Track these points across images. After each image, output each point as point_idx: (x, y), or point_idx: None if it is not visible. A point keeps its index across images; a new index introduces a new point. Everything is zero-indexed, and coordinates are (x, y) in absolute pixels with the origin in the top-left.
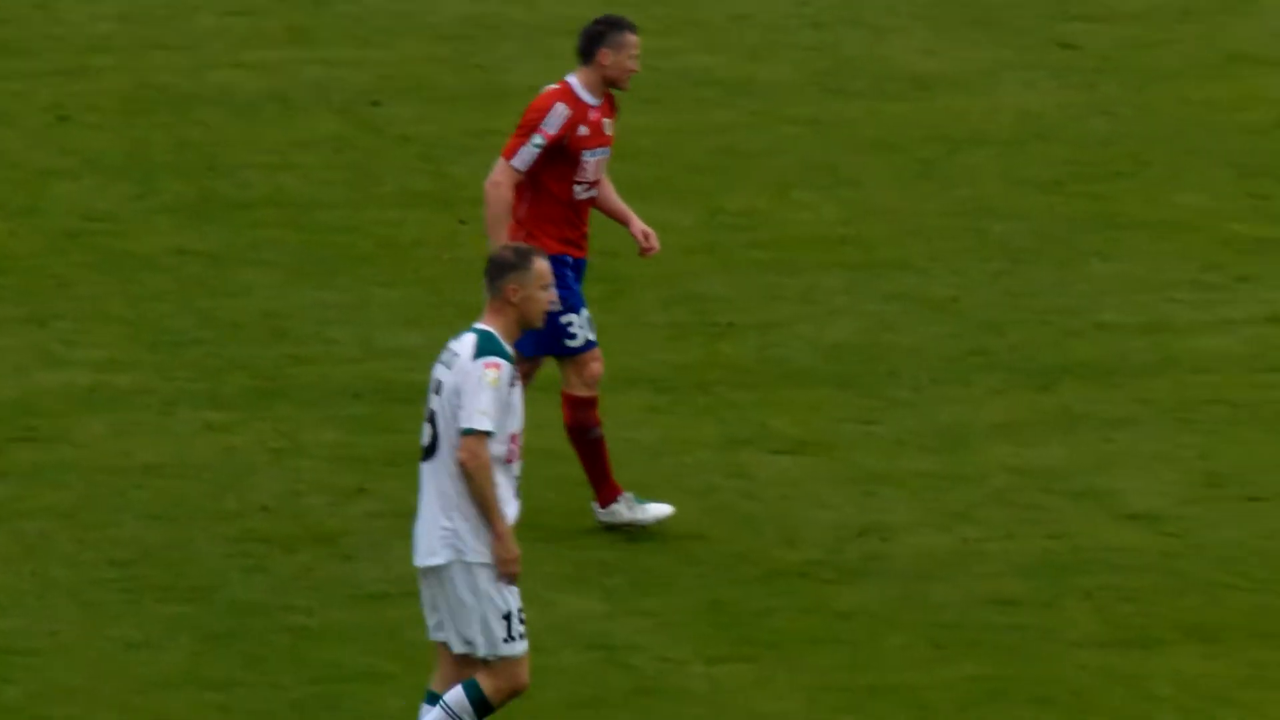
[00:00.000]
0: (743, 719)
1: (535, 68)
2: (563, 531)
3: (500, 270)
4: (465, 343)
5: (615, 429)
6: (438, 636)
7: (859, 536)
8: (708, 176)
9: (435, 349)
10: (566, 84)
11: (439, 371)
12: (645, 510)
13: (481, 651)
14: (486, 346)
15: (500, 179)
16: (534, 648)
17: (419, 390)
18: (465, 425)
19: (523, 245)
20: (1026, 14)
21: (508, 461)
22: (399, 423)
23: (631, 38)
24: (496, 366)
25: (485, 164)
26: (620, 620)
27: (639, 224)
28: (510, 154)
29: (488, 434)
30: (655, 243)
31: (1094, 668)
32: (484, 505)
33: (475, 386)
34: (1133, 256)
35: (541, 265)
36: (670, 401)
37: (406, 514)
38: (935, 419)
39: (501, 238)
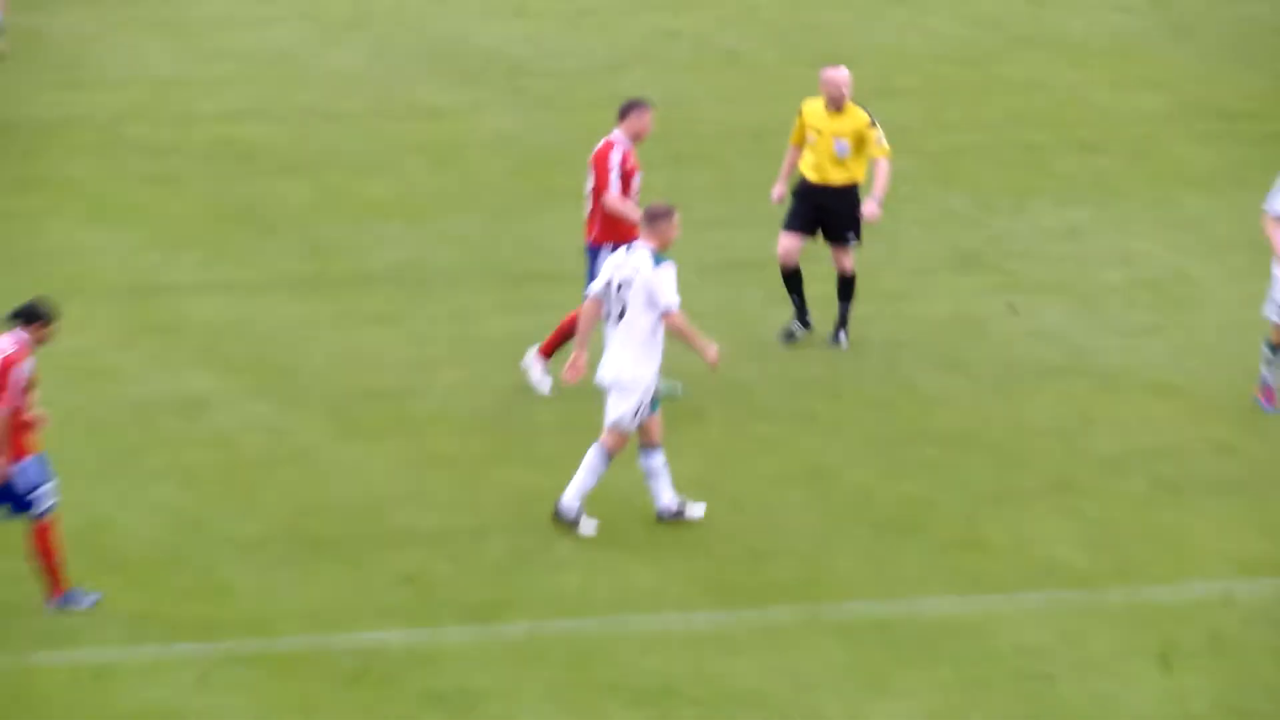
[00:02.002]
0: None
1: None
2: None
3: (662, 216)
4: (642, 257)
5: None
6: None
7: None
8: None
9: None
10: (610, 139)
11: (622, 275)
12: None
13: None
14: (660, 259)
15: (616, 202)
16: None
17: None
18: (667, 304)
19: (664, 203)
20: None
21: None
22: None
23: (648, 113)
24: (670, 266)
25: None
26: None
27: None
28: (608, 188)
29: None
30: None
31: None
32: (689, 339)
33: (664, 281)
34: None
35: (677, 215)
36: None
37: None
38: None
39: (633, 213)
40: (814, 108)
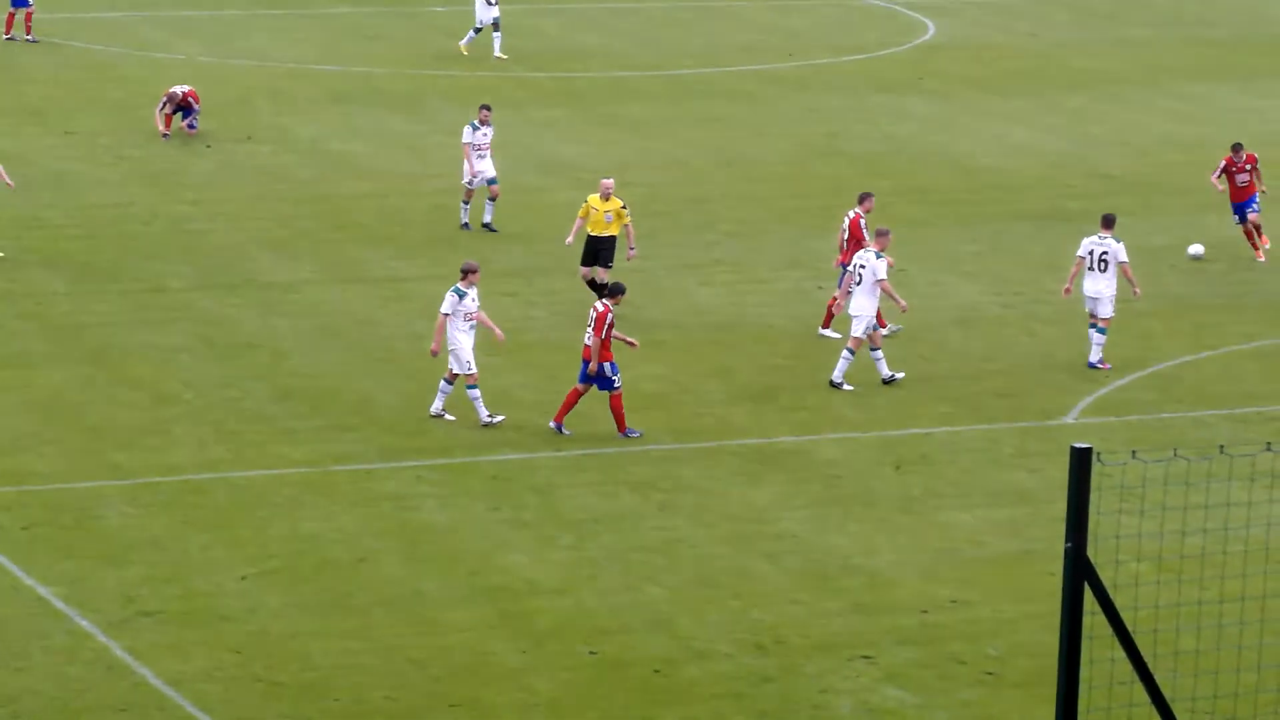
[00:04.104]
0: None
1: None
2: None
3: (883, 234)
4: (871, 255)
5: None
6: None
7: None
8: None
9: None
10: (856, 212)
11: (861, 262)
12: None
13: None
14: (879, 255)
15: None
16: None
17: None
18: (879, 276)
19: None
20: None
21: None
22: None
23: (871, 199)
24: (885, 259)
25: None
26: None
27: None
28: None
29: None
30: None
31: None
32: (891, 295)
33: (880, 266)
34: None
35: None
36: None
37: None
38: None
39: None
40: (594, 198)
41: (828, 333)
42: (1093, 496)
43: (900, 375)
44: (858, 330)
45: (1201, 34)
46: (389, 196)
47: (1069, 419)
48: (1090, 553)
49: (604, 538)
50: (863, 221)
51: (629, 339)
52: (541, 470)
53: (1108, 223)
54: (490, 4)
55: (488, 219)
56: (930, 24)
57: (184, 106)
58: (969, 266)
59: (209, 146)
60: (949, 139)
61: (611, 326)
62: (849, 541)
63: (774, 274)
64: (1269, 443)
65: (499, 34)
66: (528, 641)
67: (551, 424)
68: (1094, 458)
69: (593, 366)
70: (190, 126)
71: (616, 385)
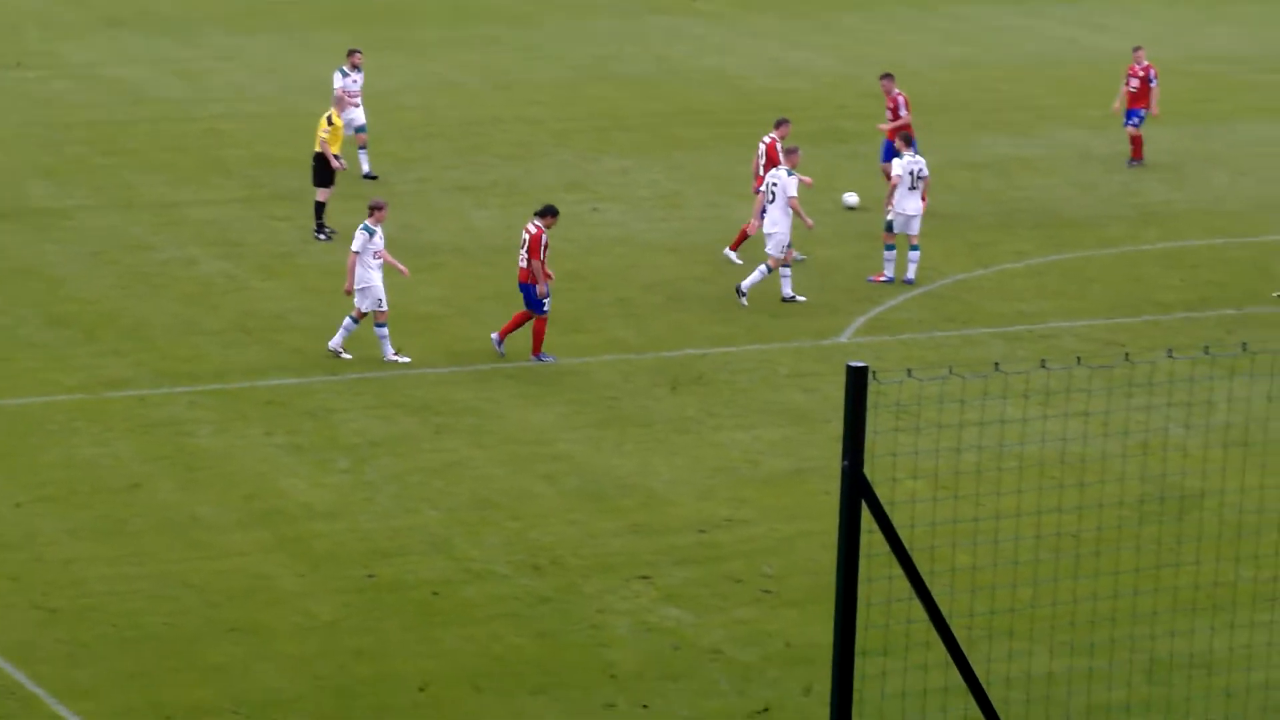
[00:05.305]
0: None
1: None
2: None
3: (792, 152)
4: (783, 174)
5: None
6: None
7: None
8: None
9: None
10: (771, 138)
11: (772, 179)
12: None
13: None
14: (791, 173)
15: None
16: None
17: None
18: (791, 194)
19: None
20: None
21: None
22: None
23: (787, 125)
24: (796, 176)
25: None
26: None
27: None
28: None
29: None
30: None
31: None
32: (798, 213)
33: (791, 183)
34: None
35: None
36: None
37: None
38: None
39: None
40: (336, 114)
41: (731, 255)
42: (869, 415)
43: (803, 298)
44: (771, 247)
45: None
46: (161, 122)
47: (843, 338)
48: (867, 471)
49: (381, 461)
50: (779, 146)
51: (400, 265)
52: (317, 394)
53: (910, 141)
54: None
55: (366, 168)
56: None
57: None
58: (744, 188)
59: None
60: (723, 60)
61: (547, 248)
62: (626, 462)
63: (549, 196)
64: (1043, 360)
65: None
66: (305, 565)
67: (494, 336)
68: (870, 376)
69: (541, 289)
70: None
71: (545, 309)
